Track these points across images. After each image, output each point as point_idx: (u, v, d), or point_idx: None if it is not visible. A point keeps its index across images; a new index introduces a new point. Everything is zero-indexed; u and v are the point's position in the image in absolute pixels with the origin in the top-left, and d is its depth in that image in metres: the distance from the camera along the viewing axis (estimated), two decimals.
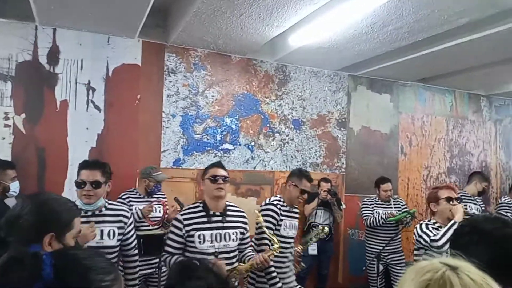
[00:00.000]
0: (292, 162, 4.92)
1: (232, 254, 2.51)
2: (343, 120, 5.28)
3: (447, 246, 2.41)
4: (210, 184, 2.50)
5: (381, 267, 4.17)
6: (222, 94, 4.57)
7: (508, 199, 5.00)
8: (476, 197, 4.67)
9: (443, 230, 2.48)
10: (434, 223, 2.63)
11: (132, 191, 3.76)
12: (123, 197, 3.66)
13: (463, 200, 4.44)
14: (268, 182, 4.74)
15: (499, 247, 1.28)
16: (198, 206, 2.54)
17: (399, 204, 4.61)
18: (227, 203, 2.62)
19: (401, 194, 5.50)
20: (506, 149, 6.57)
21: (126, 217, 2.55)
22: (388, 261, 4.44)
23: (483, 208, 4.70)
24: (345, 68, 5.08)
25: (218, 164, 2.65)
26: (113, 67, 4.13)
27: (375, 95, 5.51)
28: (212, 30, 3.87)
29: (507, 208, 4.81)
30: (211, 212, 2.50)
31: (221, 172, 2.56)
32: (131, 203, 3.63)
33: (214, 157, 4.46)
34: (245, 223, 2.63)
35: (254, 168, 4.69)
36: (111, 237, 2.45)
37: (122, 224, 2.51)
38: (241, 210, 2.70)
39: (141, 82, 4.23)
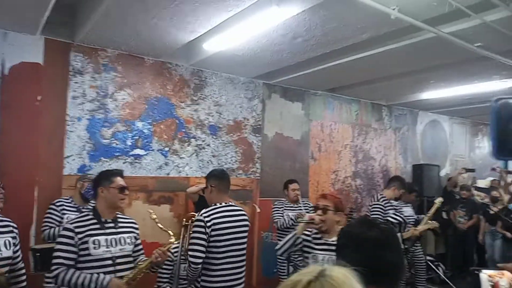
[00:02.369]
0: (208, 168, 4.88)
1: (130, 259, 2.46)
2: (258, 126, 5.40)
3: (285, 254, 2.75)
4: (117, 194, 2.40)
5: (291, 269, 4.32)
6: (133, 97, 4.38)
7: (382, 196, 4.84)
8: (394, 202, 4.75)
9: (284, 240, 2.74)
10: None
11: (67, 199, 3.52)
12: (57, 203, 3.43)
13: (386, 207, 4.61)
14: (183, 189, 4.64)
15: (363, 250, 1.30)
16: (87, 215, 2.43)
17: (307, 206, 4.83)
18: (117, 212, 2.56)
19: (311, 197, 5.77)
20: (404, 154, 7.27)
21: (16, 227, 2.53)
22: (298, 262, 4.61)
23: (401, 212, 4.77)
24: (260, 76, 5.21)
25: (122, 173, 2.55)
26: (11, 65, 3.75)
27: (288, 103, 5.74)
28: (123, 31, 3.71)
29: (379, 209, 4.64)
30: (103, 219, 2.42)
31: (124, 183, 2.48)
32: (64, 211, 3.40)
33: (123, 163, 4.26)
34: (136, 229, 2.59)
35: (168, 174, 4.57)
36: (8, 247, 2.42)
37: (14, 234, 2.51)
38: (131, 218, 2.66)
39: (43, 82, 3.90)
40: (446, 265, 6.53)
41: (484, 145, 8.80)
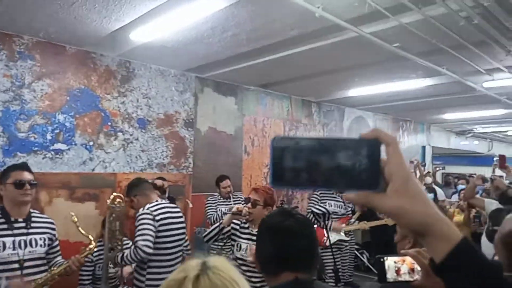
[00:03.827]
0: (137, 163, 4.73)
1: (40, 262, 2.30)
2: (191, 120, 5.33)
3: (210, 242, 2.86)
4: (13, 190, 2.22)
5: None
6: (53, 88, 4.09)
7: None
8: (338, 194, 4.89)
9: (211, 228, 2.84)
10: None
11: None
12: None
13: (324, 197, 4.76)
14: (109, 185, 4.45)
15: (278, 238, 1.37)
16: None
17: (238, 199, 4.87)
18: (31, 210, 2.38)
19: (244, 190, 5.83)
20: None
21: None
22: (223, 250, 4.64)
23: (346, 204, 4.95)
24: (192, 69, 5.13)
25: (23, 166, 2.36)
26: None
27: (221, 97, 5.72)
28: (40, 16, 3.44)
29: (314, 199, 4.87)
30: (13, 219, 2.24)
31: (27, 176, 2.29)
32: None
33: (43, 158, 3.97)
34: (53, 229, 2.44)
35: (93, 170, 4.34)
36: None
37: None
38: (48, 217, 2.49)
39: None
40: (370, 252, 6.96)
41: (404, 140, 9.49)
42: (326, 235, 4.18)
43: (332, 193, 4.94)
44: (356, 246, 6.27)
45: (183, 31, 3.61)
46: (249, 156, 6.06)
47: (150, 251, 2.61)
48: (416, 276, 1.42)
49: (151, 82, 4.90)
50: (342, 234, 4.84)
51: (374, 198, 0.55)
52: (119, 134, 4.59)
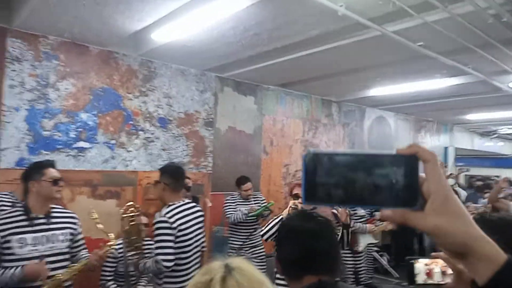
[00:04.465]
0: (157, 162, 4.77)
1: (61, 257, 2.32)
2: (211, 120, 5.35)
3: (270, 239, 2.69)
4: (50, 187, 2.27)
5: None
6: (77, 87, 4.17)
7: None
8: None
9: (269, 225, 2.72)
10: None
11: (6, 195, 3.15)
12: None
13: None
14: (131, 183, 4.51)
15: (300, 240, 1.36)
16: (17, 211, 2.29)
17: (258, 200, 4.86)
18: (53, 206, 2.42)
19: (263, 190, 5.82)
20: (352, 149, 7.51)
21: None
22: (249, 255, 4.65)
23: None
24: (212, 68, 5.15)
25: (53, 164, 2.42)
26: None
27: (240, 97, 5.73)
28: (65, 17, 3.51)
29: None
30: (34, 215, 2.28)
31: (58, 173, 2.36)
32: (3, 207, 3.01)
33: (66, 156, 4.05)
34: (74, 223, 2.46)
35: (115, 168, 4.41)
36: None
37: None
38: (70, 212, 2.52)
39: None
40: (390, 255, 6.85)
41: (427, 141, 9.30)
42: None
43: None
44: (375, 248, 6.18)
45: (204, 31, 3.63)
46: (268, 156, 6.05)
47: (171, 264, 2.55)
48: (448, 280, 1.38)
49: (171, 81, 4.94)
50: (371, 237, 4.78)
51: (412, 216, 0.53)
52: (140, 133, 4.64)
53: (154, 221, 2.67)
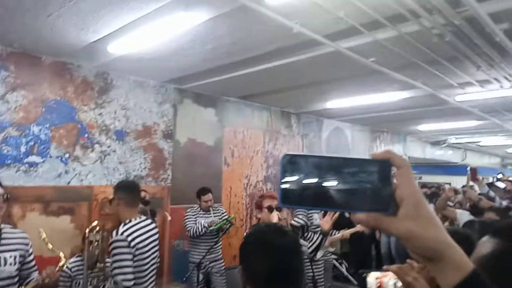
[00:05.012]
0: (114, 175, 4.65)
1: (9, 281, 2.18)
2: (169, 131, 5.29)
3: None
4: None
5: (201, 276, 4.29)
6: (28, 99, 4.01)
7: None
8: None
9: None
10: None
11: None
12: None
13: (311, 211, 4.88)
14: (86, 198, 4.36)
15: (277, 256, 1.37)
16: None
17: (219, 212, 4.84)
18: (2, 226, 2.28)
19: (224, 202, 5.81)
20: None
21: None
22: (209, 269, 4.60)
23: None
24: (171, 80, 5.12)
25: None
26: None
27: (200, 108, 5.72)
28: (15, 27, 3.38)
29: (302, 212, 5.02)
30: None
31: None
32: None
33: (16, 171, 3.87)
34: (26, 244, 2.33)
35: (68, 183, 4.25)
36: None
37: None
38: (21, 231, 2.39)
39: None
40: (349, 262, 7.00)
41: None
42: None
43: None
44: (334, 256, 6.31)
45: (162, 43, 3.61)
46: (229, 167, 6.05)
47: (131, 284, 2.49)
48: None
49: (129, 93, 4.85)
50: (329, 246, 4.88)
51: (384, 220, 0.54)
52: (96, 146, 4.51)
53: (111, 240, 2.59)
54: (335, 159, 0.55)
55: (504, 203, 4.86)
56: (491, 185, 6.20)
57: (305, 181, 0.54)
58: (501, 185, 6.44)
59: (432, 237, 0.54)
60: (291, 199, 0.55)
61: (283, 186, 0.55)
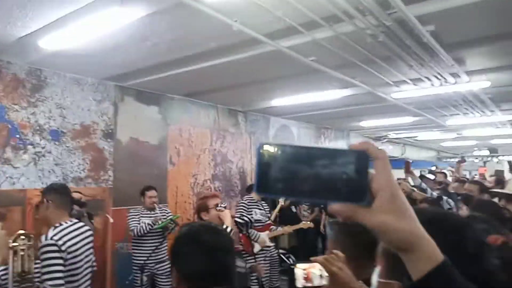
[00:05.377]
0: (50, 178, 4.41)
1: None
2: (110, 131, 5.10)
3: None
4: None
5: (145, 278, 4.19)
6: None
7: (249, 196, 5.26)
8: (261, 202, 5.16)
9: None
10: None
11: None
12: None
13: (251, 206, 4.97)
14: (18, 203, 4.09)
15: (213, 256, 1.39)
16: None
17: (164, 212, 4.76)
18: None
19: (170, 202, 5.71)
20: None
21: None
22: (154, 271, 4.50)
23: (267, 211, 5.23)
24: (111, 77, 4.94)
25: None
26: None
27: (143, 106, 5.56)
28: None
29: (242, 207, 5.06)
30: None
31: None
32: None
33: None
34: None
35: None
36: None
37: None
38: None
39: None
40: (297, 256, 7.17)
41: (326, 146, 9.96)
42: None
43: (256, 202, 5.06)
44: (281, 251, 6.43)
45: (98, 39, 3.45)
46: (175, 167, 5.96)
47: None
48: (324, 282, 1.49)
49: (65, 91, 4.61)
50: (268, 241, 4.96)
51: (359, 211, 0.54)
52: (29, 147, 4.25)
53: (40, 245, 2.46)
54: (312, 148, 0.55)
55: (435, 193, 5.21)
56: (422, 177, 6.62)
57: (282, 170, 0.54)
58: (431, 176, 6.91)
59: (406, 229, 0.54)
60: (268, 187, 0.54)
61: (260, 175, 0.54)
